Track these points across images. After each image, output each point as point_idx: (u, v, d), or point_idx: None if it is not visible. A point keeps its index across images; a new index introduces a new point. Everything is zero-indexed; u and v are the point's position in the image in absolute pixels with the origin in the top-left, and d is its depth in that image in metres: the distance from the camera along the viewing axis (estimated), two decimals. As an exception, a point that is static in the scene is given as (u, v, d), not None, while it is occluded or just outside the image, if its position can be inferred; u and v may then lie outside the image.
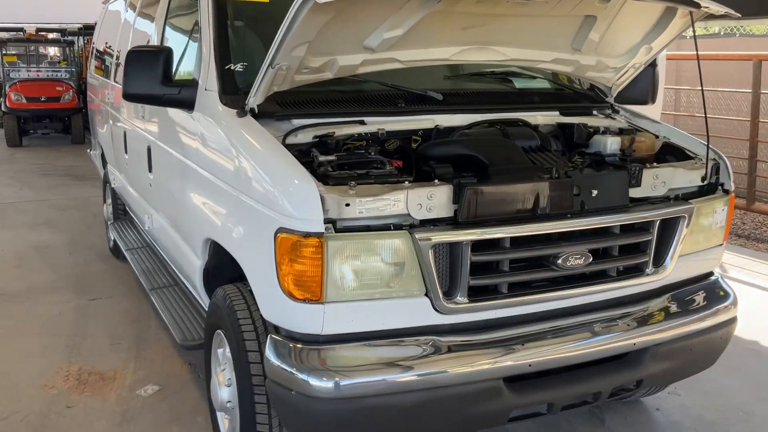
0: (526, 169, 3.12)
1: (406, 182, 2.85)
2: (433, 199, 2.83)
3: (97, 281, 6.57)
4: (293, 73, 3.12)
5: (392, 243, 2.72)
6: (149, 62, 3.55)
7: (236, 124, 3.21)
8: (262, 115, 3.25)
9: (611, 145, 3.62)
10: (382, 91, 3.54)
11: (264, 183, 2.86)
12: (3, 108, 16.19)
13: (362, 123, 3.34)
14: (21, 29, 19.50)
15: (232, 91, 3.43)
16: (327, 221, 2.66)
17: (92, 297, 6.16)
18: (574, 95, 4.20)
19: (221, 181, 3.25)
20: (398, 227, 2.77)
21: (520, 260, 2.98)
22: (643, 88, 4.32)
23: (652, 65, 4.27)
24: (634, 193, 3.32)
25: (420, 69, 3.58)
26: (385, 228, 2.76)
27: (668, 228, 3.32)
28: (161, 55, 3.58)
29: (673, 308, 3.39)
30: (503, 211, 2.93)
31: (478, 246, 2.86)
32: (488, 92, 3.87)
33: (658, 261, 3.34)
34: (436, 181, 2.91)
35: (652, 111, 4.89)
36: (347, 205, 2.69)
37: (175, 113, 3.99)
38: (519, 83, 4.07)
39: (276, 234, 2.70)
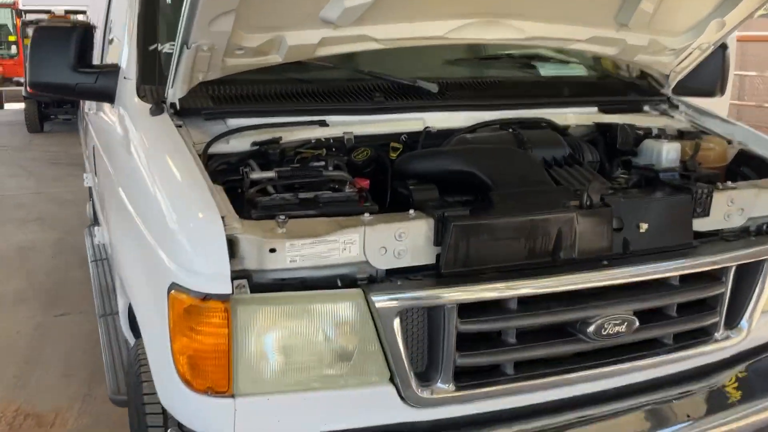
0: (545, 192, 2.20)
1: (366, 214, 1.97)
2: (404, 240, 1.95)
3: (71, 292, 5.85)
4: (222, 55, 2.25)
5: (338, 308, 1.84)
6: (59, 42, 2.71)
7: (146, 124, 2.36)
8: (186, 112, 2.40)
9: (668, 154, 2.68)
10: (354, 81, 2.65)
11: (160, 213, 2.00)
12: (24, 93, 15.78)
13: (323, 124, 2.46)
14: (48, 11, 19.14)
15: (156, 80, 2.57)
16: (240, 275, 1.79)
17: (60, 312, 5.43)
18: (618, 85, 3.23)
19: (130, 203, 2.40)
20: (350, 283, 1.89)
21: (532, 328, 2.07)
22: (710, 77, 3.33)
23: (723, 47, 3.27)
24: (701, 224, 2.37)
25: (409, 51, 2.67)
26: (329, 284, 1.88)
27: (748, 274, 2.36)
28: (74, 33, 2.73)
29: (753, 385, 2.43)
30: (509, 256, 2.02)
31: (469, 309, 1.96)
32: (502, 82, 2.94)
33: (733, 321, 2.39)
34: (412, 211, 2.01)
35: (718, 105, 3.88)
36: (272, 250, 1.82)
37: (107, 107, 3.16)
38: (545, 69, 3.12)
39: (169, 292, 1.84)
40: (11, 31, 16.56)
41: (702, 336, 2.33)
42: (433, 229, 1.97)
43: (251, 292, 1.79)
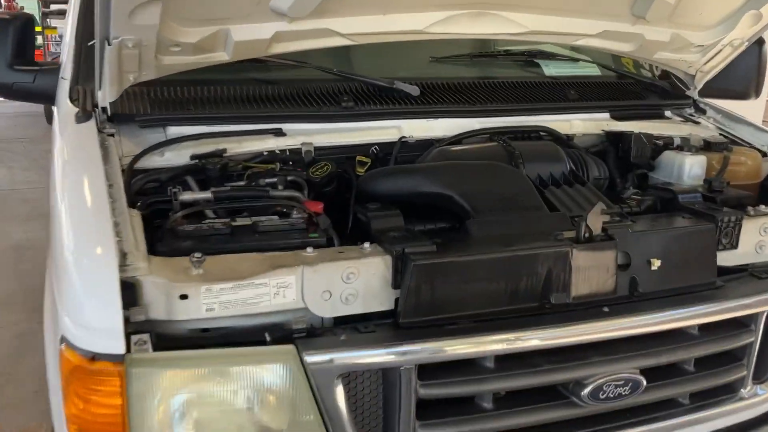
0: (534, 221, 1.82)
1: (309, 249, 1.60)
2: (354, 282, 1.58)
3: (59, 296, 5.58)
4: (154, 52, 1.90)
5: (264, 371, 1.48)
6: (-5, 36, 2.39)
7: (70, 132, 2.02)
8: (121, 118, 2.06)
9: (691, 169, 2.29)
10: (319, 82, 2.28)
11: (60, 245, 1.65)
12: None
13: (279, 133, 2.10)
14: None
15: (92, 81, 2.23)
16: (142, 328, 1.44)
17: (45, 318, 5.16)
18: (635, 87, 2.81)
19: (49, 228, 2.06)
20: (284, 336, 1.53)
21: (513, 392, 1.69)
22: (743, 77, 2.90)
23: (759, 43, 2.84)
24: (728, 258, 1.98)
25: (388, 48, 2.30)
26: (255, 338, 1.52)
27: (782, 320, 1.95)
28: (11, 25, 2.41)
29: (787, 451, 2.03)
30: (485, 302, 1.65)
31: (433, 370, 1.59)
32: (497, 84, 2.54)
33: (763, 374, 1.99)
34: (366, 245, 1.65)
35: (753, 109, 3.44)
36: (183, 297, 1.47)
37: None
38: (550, 69, 2.72)
39: (60, 346, 1.50)
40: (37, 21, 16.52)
41: (725, 393, 1.93)
42: (391, 268, 1.60)
43: (157, 349, 1.44)
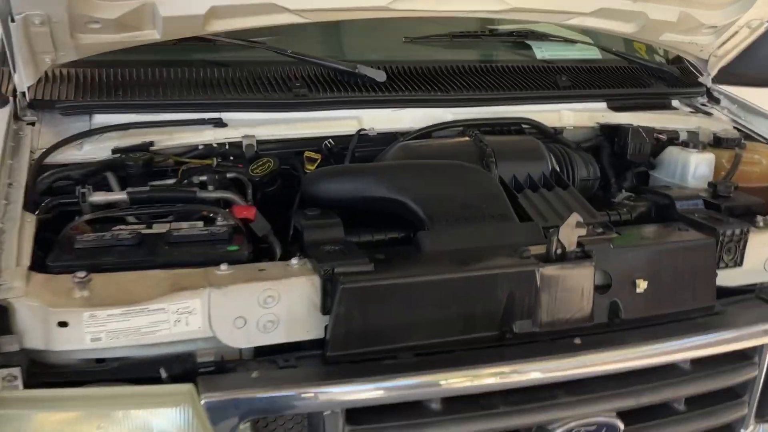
0: (498, 234, 1.55)
1: (223, 266, 1.36)
2: (273, 306, 1.34)
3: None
4: (69, 30, 1.65)
5: (154, 416, 1.24)
6: None
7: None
8: (43, 105, 1.82)
9: (696, 168, 2.03)
10: (270, 66, 2.02)
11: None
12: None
13: (219, 124, 1.85)
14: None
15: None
16: (11, 360, 1.21)
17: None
18: (639, 72, 2.51)
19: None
20: (183, 372, 1.29)
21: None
22: (764, 61, 2.57)
23: (782, 23, 2.52)
24: (730, 277, 1.70)
25: (355, 26, 2.03)
26: (149, 375, 1.29)
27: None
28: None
29: (794, 500, 1.76)
30: (432, 332, 1.39)
31: (366, 412, 1.34)
32: (479, 69, 2.25)
33: (767, 411, 1.71)
34: (294, 261, 1.40)
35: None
36: (62, 324, 1.24)
37: None
38: (543, 51, 2.42)
39: None
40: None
41: (722, 435, 1.67)
42: (320, 290, 1.36)
43: (31, 385, 1.21)
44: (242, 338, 1.33)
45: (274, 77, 1.99)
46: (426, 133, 1.95)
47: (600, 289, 1.52)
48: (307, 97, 1.93)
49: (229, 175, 1.76)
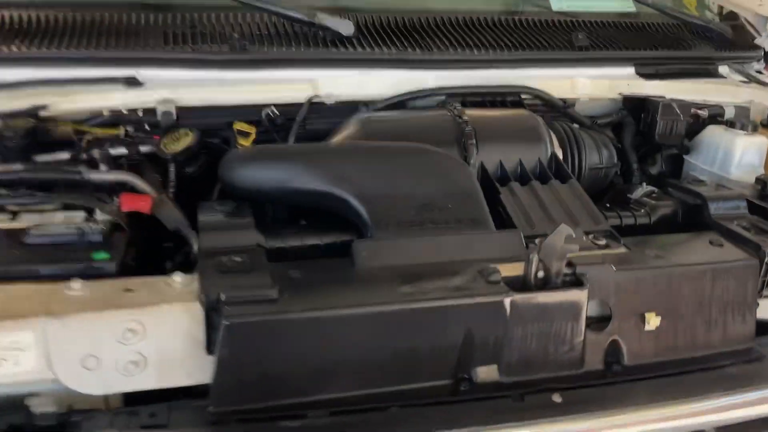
0: (464, 242, 1.17)
1: (74, 284, 1.01)
2: (136, 342, 0.99)
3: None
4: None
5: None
6: None
7: None
8: None
9: (742, 156, 1.63)
10: (205, 12, 1.64)
11: None
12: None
13: (133, 83, 1.48)
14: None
15: None
16: None
17: None
18: (679, 30, 2.04)
19: None
20: (11, 429, 0.96)
21: None
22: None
23: None
24: (773, 309, 1.29)
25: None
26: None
27: None
28: None
29: None
30: (354, 383, 1.03)
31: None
32: (476, 21, 1.81)
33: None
34: (176, 278, 1.05)
35: None
36: None
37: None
38: (560, 0, 1.97)
39: None
40: None
41: None
42: (204, 322, 1.00)
43: None
44: (95, 383, 0.99)
45: (206, 25, 1.60)
46: (398, 103, 1.56)
47: (595, 325, 1.14)
48: (247, 52, 1.54)
49: (142, 149, 1.41)
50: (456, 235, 1.18)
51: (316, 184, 1.21)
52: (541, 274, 1.10)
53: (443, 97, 1.58)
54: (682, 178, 1.75)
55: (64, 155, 1.38)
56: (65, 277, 1.04)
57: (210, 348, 1.00)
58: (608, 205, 1.47)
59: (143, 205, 1.23)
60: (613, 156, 1.59)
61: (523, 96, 1.64)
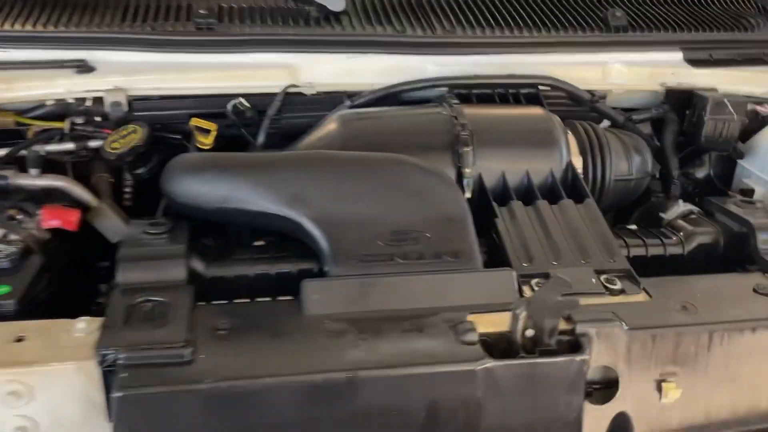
0: (441, 284, 0.95)
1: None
2: (23, 406, 0.82)
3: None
4: None
5: None
6: None
7: None
8: None
9: None
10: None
11: None
12: None
13: (83, 68, 1.28)
14: None
15: None
16: None
17: None
18: (739, 7, 1.72)
19: None
20: None
21: None
22: None
23: None
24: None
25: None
26: None
27: None
28: None
29: None
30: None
31: None
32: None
33: None
34: (80, 326, 0.86)
35: None
36: None
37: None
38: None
39: None
40: None
41: None
42: (102, 384, 0.82)
43: None
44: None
45: (169, 1, 1.39)
46: (389, 95, 1.32)
47: (597, 394, 0.92)
48: (214, 32, 1.32)
49: (91, 145, 1.23)
50: (430, 275, 0.96)
51: (265, 205, 1.00)
52: (530, 332, 0.88)
53: (444, 90, 1.34)
54: (733, 186, 1.48)
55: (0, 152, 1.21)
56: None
57: (110, 414, 0.82)
58: (635, 226, 1.23)
59: (69, 221, 1.05)
60: (647, 163, 1.33)
61: (541, 88, 1.38)
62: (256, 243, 1.11)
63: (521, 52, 1.42)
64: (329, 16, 1.39)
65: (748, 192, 1.42)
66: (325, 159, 1.05)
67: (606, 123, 1.44)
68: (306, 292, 0.92)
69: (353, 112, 1.27)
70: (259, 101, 1.29)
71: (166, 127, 1.28)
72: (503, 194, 1.15)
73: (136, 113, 1.26)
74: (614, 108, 1.47)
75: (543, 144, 1.21)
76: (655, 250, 1.15)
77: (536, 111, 1.28)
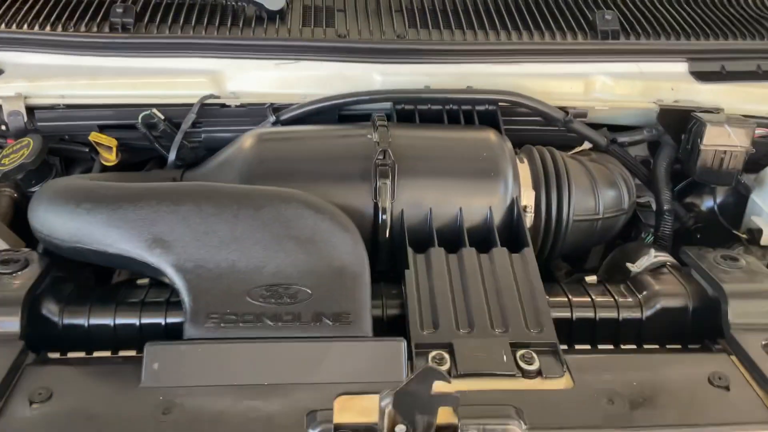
0: (311, 354, 0.79)
1: None
2: None
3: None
4: None
5: None
6: None
7: None
8: None
9: None
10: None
11: None
12: None
13: None
14: None
15: None
16: None
17: None
18: (755, 11, 1.46)
19: None
20: None
21: None
22: None
23: None
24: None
25: None
26: None
27: None
28: None
29: None
30: None
31: None
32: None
33: None
34: None
35: None
36: None
37: None
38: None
39: None
40: None
41: None
42: None
43: None
44: None
45: None
46: (324, 110, 1.15)
47: None
48: (130, 32, 1.19)
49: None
50: (302, 342, 0.81)
51: (122, 247, 0.86)
52: (401, 428, 0.72)
53: (389, 105, 1.16)
54: (744, 222, 1.26)
55: None
56: None
57: None
58: (594, 278, 1.03)
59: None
60: (623, 199, 1.12)
61: (502, 104, 1.18)
62: (139, 281, 0.98)
63: (486, 61, 1.23)
64: (264, 17, 1.22)
65: (756, 233, 1.20)
66: (200, 193, 0.90)
67: (588, 145, 1.25)
68: (147, 358, 0.78)
69: (271, 130, 1.11)
70: (177, 112, 1.15)
71: (73, 138, 1.16)
72: (426, 237, 0.98)
73: (40, 123, 1.14)
74: (602, 126, 1.27)
75: (483, 175, 1.02)
76: (606, 314, 0.95)
77: (483, 134, 1.08)
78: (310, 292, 0.84)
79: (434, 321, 0.86)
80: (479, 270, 0.93)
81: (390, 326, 0.89)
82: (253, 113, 1.16)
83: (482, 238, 0.99)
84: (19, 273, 0.87)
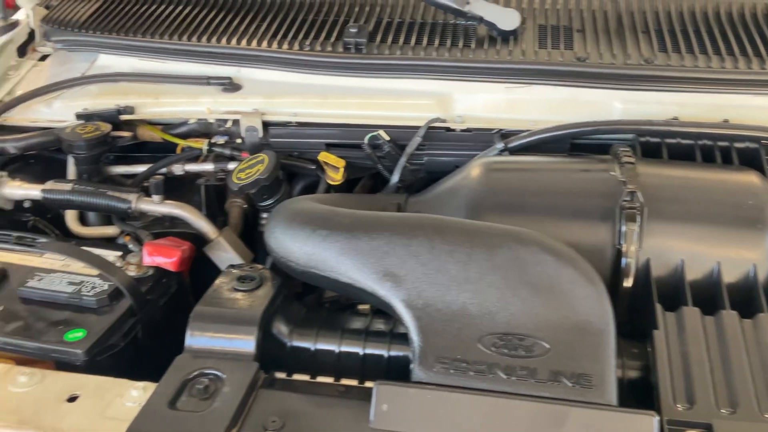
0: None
1: (23, 377, 0.82)
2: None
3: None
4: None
5: None
6: None
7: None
8: (55, 33, 1.42)
9: None
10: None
11: None
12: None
13: (229, 86, 1.22)
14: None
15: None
16: None
17: None
18: None
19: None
20: None
21: None
22: None
23: None
24: None
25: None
26: None
27: None
28: None
29: None
30: None
31: None
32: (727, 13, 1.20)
33: None
34: (133, 392, 0.80)
35: None
36: None
37: None
38: None
39: None
40: None
41: None
42: None
43: None
44: None
45: (318, 15, 1.27)
46: (555, 139, 1.08)
47: None
48: (362, 54, 1.18)
49: (230, 168, 1.18)
50: (538, 403, 0.74)
51: (353, 276, 0.84)
52: None
53: (631, 137, 1.06)
54: None
55: (140, 169, 1.21)
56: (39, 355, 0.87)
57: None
58: None
59: (171, 261, 0.99)
60: None
61: (765, 142, 1.03)
62: (360, 307, 0.97)
63: (747, 92, 1.08)
64: (497, 37, 1.17)
65: None
66: (433, 227, 0.86)
67: None
68: (377, 398, 0.76)
69: (501, 159, 1.05)
70: (402, 134, 1.13)
71: (302, 155, 1.18)
72: (675, 293, 0.87)
73: (273, 138, 1.18)
74: None
75: (747, 226, 0.89)
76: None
77: (746, 177, 0.95)
78: (548, 346, 0.77)
79: (688, 395, 0.75)
80: (742, 338, 0.80)
81: (630, 391, 0.80)
82: (478, 138, 1.12)
83: (742, 300, 0.86)
84: (255, 291, 0.89)
